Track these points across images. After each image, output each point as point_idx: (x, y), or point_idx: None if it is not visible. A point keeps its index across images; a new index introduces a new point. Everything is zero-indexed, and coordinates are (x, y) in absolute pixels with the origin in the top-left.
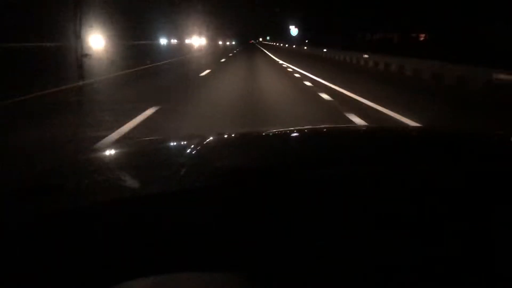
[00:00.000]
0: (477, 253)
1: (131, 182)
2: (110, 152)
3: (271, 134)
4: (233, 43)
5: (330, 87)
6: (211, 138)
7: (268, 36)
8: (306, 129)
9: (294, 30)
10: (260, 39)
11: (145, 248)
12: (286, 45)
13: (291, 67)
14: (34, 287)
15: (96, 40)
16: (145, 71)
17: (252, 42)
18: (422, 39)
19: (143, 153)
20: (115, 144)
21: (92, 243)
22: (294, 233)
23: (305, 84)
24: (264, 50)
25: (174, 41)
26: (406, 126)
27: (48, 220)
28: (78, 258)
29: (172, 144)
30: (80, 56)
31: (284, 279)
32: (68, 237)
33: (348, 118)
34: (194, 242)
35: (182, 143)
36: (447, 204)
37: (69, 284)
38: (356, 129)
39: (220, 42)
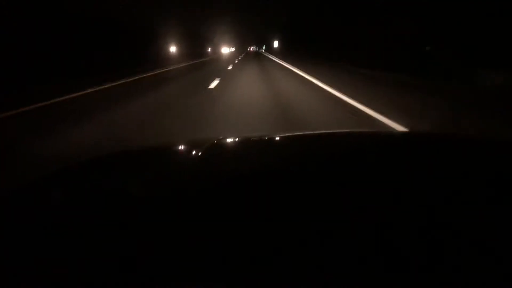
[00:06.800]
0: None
1: (134, 185)
2: (113, 158)
3: (274, 138)
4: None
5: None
6: (215, 141)
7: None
8: (309, 134)
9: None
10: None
11: (147, 252)
12: None
13: None
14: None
15: None
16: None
17: (253, 51)
18: None
19: (146, 158)
20: (120, 149)
21: (91, 246)
22: (293, 234)
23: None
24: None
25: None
26: (413, 131)
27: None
28: (77, 263)
29: (177, 148)
30: None
31: (284, 277)
32: (68, 240)
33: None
34: (195, 245)
35: (187, 147)
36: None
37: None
38: (360, 134)
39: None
